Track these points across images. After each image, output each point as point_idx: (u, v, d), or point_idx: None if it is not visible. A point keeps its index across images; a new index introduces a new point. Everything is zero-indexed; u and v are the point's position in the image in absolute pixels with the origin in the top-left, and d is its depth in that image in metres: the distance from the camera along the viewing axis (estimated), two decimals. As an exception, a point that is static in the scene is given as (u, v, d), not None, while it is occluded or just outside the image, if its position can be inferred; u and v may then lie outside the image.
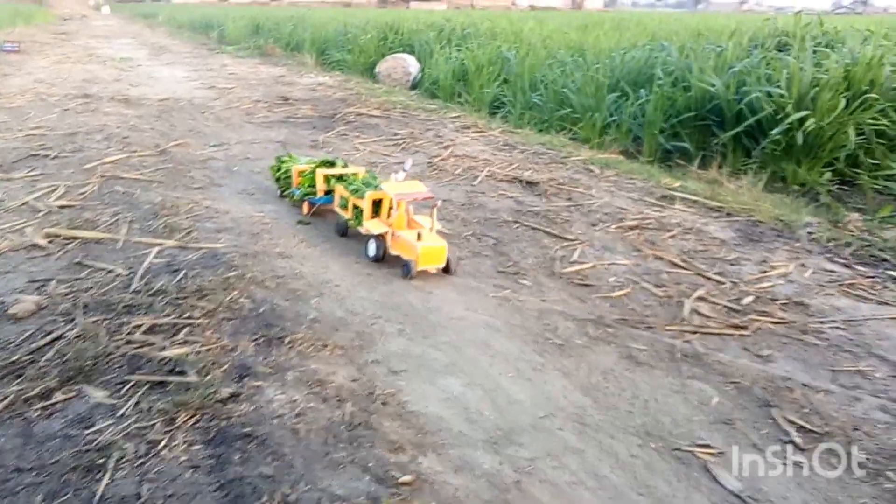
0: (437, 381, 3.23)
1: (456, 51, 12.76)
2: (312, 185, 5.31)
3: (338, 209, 4.98)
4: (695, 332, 3.74)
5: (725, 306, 4.04)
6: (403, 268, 4.31)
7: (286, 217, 5.37)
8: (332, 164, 5.41)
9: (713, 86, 7.55)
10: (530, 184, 6.45)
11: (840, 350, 3.57)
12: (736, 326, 3.80)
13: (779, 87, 6.90)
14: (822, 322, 3.84)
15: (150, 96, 11.19)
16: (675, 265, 4.63)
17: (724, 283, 4.33)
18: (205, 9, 40.16)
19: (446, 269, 4.36)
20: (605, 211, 5.70)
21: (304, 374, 3.13)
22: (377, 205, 4.59)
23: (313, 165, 5.41)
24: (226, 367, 3.17)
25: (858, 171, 6.73)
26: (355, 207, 4.73)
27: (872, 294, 4.20)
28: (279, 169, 5.84)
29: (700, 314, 3.96)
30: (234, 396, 2.94)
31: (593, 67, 9.58)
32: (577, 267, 4.60)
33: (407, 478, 2.49)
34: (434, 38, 14.23)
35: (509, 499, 2.48)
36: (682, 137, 7.74)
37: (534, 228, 5.32)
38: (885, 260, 4.66)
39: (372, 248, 4.50)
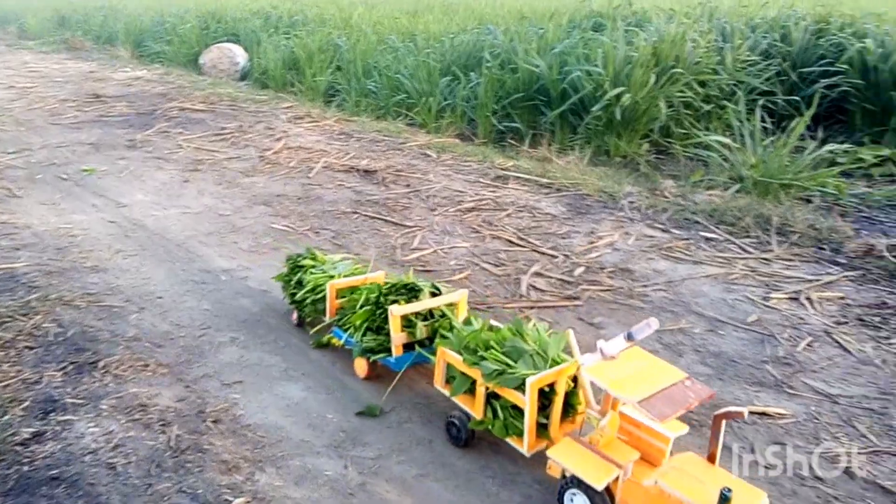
0: (276, 389, 3.05)
1: (285, 38, 12.29)
2: (375, 328, 3.09)
3: (449, 392, 2.78)
4: (532, 307, 3.83)
5: (559, 279, 4.17)
6: None
7: (99, 227, 4.88)
8: (413, 290, 3.11)
9: (538, 66, 7.81)
10: (368, 172, 6.33)
11: (663, 311, 3.80)
12: (569, 298, 3.93)
13: (596, 65, 7.25)
14: (645, 286, 4.08)
15: (-68, 100, 9.79)
16: (512, 243, 4.73)
17: (557, 257, 4.47)
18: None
19: None
20: (443, 195, 5.72)
21: (121, 401, 2.83)
22: (544, 394, 2.52)
23: (374, 287, 3.17)
24: (27, 403, 2.79)
25: (671, 140, 7.26)
26: (493, 396, 2.62)
27: (688, 255, 4.52)
28: (297, 282, 3.49)
29: (537, 289, 4.07)
30: (37, 436, 2.60)
31: (424, 52, 9.60)
32: (419, 253, 4.57)
33: (241, 500, 2.31)
34: (260, 25, 13.63)
35: (354, 504, 2.38)
36: (513, 118, 7.95)
37: (373, 218, 5.22)
38: (697, 222, 5.04)
39: None
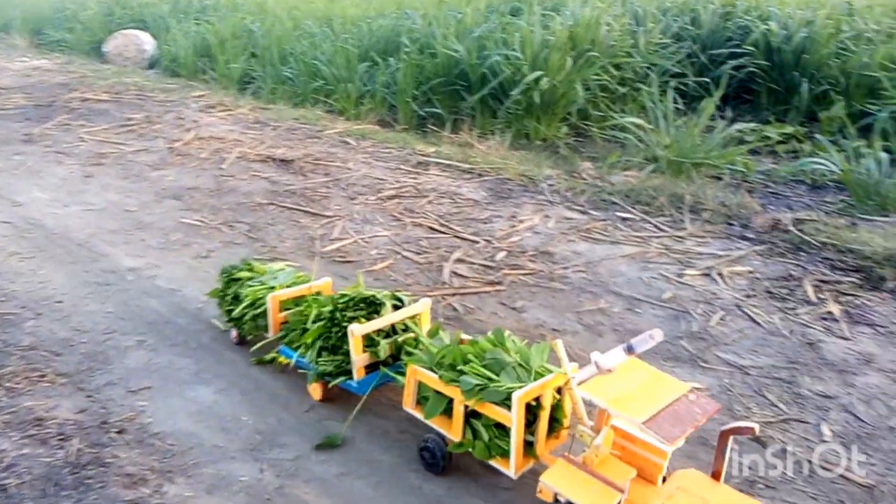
0: (187, 393, 2.91)
1: (195, 24, 11.80)
2: (331, 346, 2.80)
3: (422, 415, 2.53)
4: (454, 294, 3.79)
5: (481, 265, 4.15)
6: None
7: (-8, 228, 4.55)
8: (373, 303, 2.85)
9: (457, 51, 7.75)
10: (285, 162, 6.14)
11: (582, 292, 3.84)
12: (492, 283, 3.92)
13: (514, 50, 7.26)
14: (565, 268, 4.11)
15: None
16: (434, 230, 4.68)
17: (478, 243, 4.45)
18: None
19: None
20: (363, 183, 5.61)
21: (15, 416, 2.63)
22: (529, 409, 2.30)
23: (326, 300, 2.90)
24: None
25: (589, 123, 7.35)
26: (473, 415, 2.39)
27: (606, 236, 4.59)
28: (234, 297, 3.22)
29: (459, 275, 4.03)
30: (-83, 461, 2.38)
31: (342, 37, 9.39)
32: (339, 244, 4.47)
33: (146, 515, 2.19)
34: (169, 11, 13.03)
35: (271, 509, 2.29)
36: (433, 103, 7.88)
37: (291, 209, 5.07)
38: (614, 203, 5.12)
39: None
